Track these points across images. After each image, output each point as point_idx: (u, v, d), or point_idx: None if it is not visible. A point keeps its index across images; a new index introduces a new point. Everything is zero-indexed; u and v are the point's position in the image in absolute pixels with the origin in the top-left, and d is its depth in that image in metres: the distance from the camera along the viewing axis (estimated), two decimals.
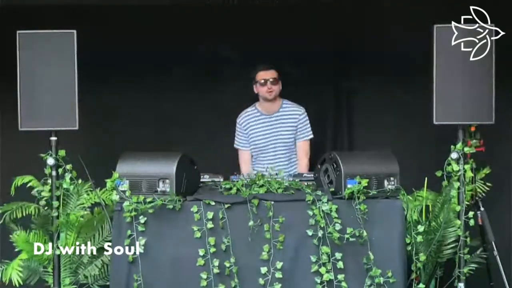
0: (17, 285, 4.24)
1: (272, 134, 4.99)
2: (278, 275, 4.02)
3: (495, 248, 4.60)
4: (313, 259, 4.04)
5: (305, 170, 4.91)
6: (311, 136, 5.05)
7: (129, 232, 4.04)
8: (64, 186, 4.23)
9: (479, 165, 4.62)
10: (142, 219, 4.03)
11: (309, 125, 5.03)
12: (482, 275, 4.61)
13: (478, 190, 4.62)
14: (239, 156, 5.09)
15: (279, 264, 4.02)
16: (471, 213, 4.18)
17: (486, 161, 4.71)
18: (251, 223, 4.01)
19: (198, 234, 4.02)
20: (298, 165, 5.00)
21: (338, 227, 4.02)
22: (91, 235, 4.34)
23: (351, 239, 4.02)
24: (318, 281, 4.02)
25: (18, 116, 4.11)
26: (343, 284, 4.01)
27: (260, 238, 4.04)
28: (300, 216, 4.08)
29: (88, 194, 4.40)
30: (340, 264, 4.02)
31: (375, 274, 4.01)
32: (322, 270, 4.02)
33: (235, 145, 5.08)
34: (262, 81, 4.95)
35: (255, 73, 4.98)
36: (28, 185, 4.42)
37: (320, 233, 4.03)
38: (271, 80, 4.95)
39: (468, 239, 4.21)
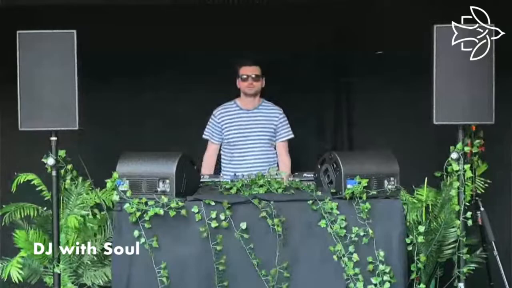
0: (17, 281, 4.26)
1: (249, 129, 4.97)
2: (285, 274, 4.02)
3: (495, 248, 4.61)
4: (316, 258, 4.04)
5: (288, 172, 4.87)
6: (292, 135, 5.04)
7: (136, 232, 4.03)
8: (66, 186, 4.24)
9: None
10: (147, 217, 4.03)
11: (289, 125, 5.03)
12: (482, 275, 4.62)
13: (478, 187, 4.64)
14: (207, 147, 5.04)
15: (283, 264, 4.03)
16: (469, 213, 4.17)
17: (486, 161, 4.72)
18: (270, 221, 4.02)
19: (203, 234, 4.02)
20: (280, 166, 4.96)
21: (343, 224, 4.02)
22: (91, 236, 4.35)
23: (354, 238, 4.02)
24: (322, 279, 4.03)
25: (18, 116, 4.11)
26: (347, 282, 4.01)
27: (262, 237, 4.04)
28: (300, 215, 4.08)
29: (87, 194, 4.41)
30: (349, 259, 4.02)
31: (382, 272, 4.01)
32: (327, 268, 4.03)
33: (204, 136, 5.04)
34: (244, 76, 4.95)
35: (239, 67, 4.98)
36: (31, 183, 4.44)
37: (322, 233, 4.04)
38: (253, 76, 4.94)
39: (464, 239, 4.20)
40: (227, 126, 4.98)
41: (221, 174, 4.90)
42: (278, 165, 4.99)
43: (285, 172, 4.63)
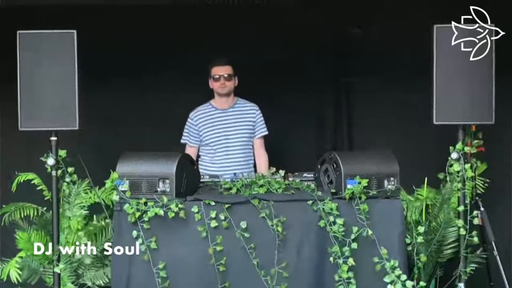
0: (16, 281, 4.26)
1: (227, 129, 4.94)
2: (284, 274, 4.02)
3: (495, 248, 4.61)
4: (316, 258, 4.04)
5: (266, 167, 4.85)
6: (267, 132, 5.01)
7: (134, 233, 4.03)
8: (64, 188, 4.24)
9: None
10: (146, 217, 4.03)
11: (264, 122, 5.00)
12: (482, 275, 4.61)
13: (478, 187, 4.64)
14: (185, 151, 4.99)
15: (283, 264, 4.03)
16: (475, 212, 4.18)
17: (486, 161, 4.72)
18: (270, 222, 4.02)
19: (202, 234, 4.02)
20: (258, 162, 4.96)
21: (341, 227, 4.02)
22: (92, 235, 4.35)
23: (354, 239, 4.02)
24: (322, 280, 4.03)
25: (18, 116, 4.11)
26: (349, 282, 4.02)
27: (262, 237, 4.04)
28: (301, 216, 4.08)
29: (86, 193, 4.40)
30: (344, 263, 4.02)
31: (392, 267, 4.00)
32: (328, 268, 4.03)
33: (182, 140, 5.01)
34: (216, 76, 4.93)
35: (210, 67, 4.95)
36: (31, 182, 4.44)
37: (322, 233, 4.04)
38: (225, 75, 4.92)
39: (473, 238, 4.21)
40: (205, 128, 4.95)
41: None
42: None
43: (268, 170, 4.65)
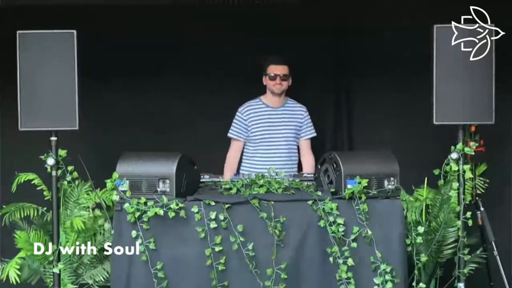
0: (15, 282, 4.26)
1: (276, 127, 4.95)
2: (283, 275, 4.02)
3: (495, 248, 4.61)
4: (316, 258, 4.04)
5: (313, 168, 4.88)
6: (315, 134, 5.05)
7: (134, 232, 4.03)
8: (65, 187, 4.25)
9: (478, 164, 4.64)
10: (145, 217, 4.03)
11: (312, 124, 5.04)
12: (482, 275, 4.62)
13: (477, 187, 4.64)
14: (231, 145, 5.01)
15: (283, 264, 4.03)
16: (468, 214, 4.18)
17: (486, 161, 4.72)
18: (269, 222, 4.03)
19: (202, 235, 4.02)
20: (305, 163, 4.98)
21: (341, 226, 4.02)
22: (91, 235, 4.35)
23: (354, 239, 4.02)
24: (322, 280, 4.03)
25: (18, 116, 4.12)
26: (349, 282, 4.01)
27: (262, 238, 4.04)
28: (301, 216, 4.08)
29: (88, 194, 4.41)
30: (344, 263, 4.02)
31: (384, 271, 4.01)
32: (327, 269, 4.03)
33: (229, 134, 5.01)
34: (272, 74, 4.92)
35: (267, 64, 4.94)
36: (32, 182, 4.44)
37: (322, 233, 4.04)
38: (281, 75, 4.92)
39: (465, 239, 4.21)
40: (255, 123, 4.95)
41: (240, 172, 4.90)
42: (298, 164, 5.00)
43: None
